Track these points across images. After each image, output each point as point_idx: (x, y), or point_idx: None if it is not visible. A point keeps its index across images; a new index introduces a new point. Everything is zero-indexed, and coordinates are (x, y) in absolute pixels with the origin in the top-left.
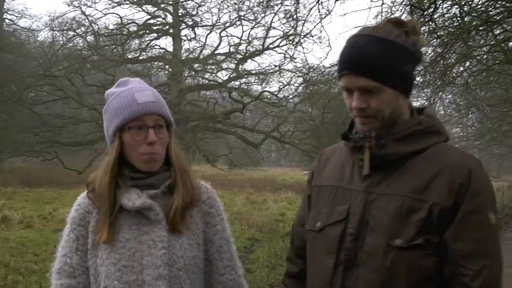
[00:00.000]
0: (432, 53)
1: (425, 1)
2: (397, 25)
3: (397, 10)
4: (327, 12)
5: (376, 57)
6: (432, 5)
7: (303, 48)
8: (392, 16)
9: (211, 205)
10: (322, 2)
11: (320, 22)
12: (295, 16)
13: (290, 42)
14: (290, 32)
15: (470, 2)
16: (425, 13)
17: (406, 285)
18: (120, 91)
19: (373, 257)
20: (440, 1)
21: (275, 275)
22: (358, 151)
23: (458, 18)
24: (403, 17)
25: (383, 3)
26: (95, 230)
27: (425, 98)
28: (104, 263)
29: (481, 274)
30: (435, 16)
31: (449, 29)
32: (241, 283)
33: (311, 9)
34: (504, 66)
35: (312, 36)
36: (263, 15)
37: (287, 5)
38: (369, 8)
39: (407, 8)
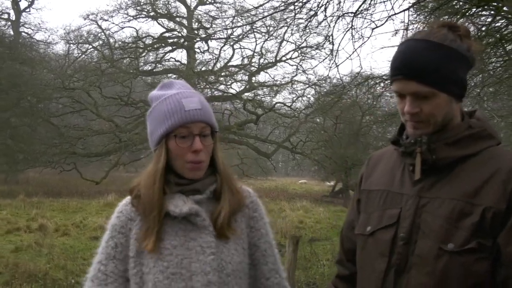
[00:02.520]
0: None
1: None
2: (452, 29)
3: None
4: (360, 37)
5: (432, 63)
6: None
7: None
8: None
9: (254, 209)
10: (354, 28)
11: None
12: (307, 30)
13: (303, 55)
14: (302, 45)
15: (487, 24)
16: None
17: None
18: (167, 95)
19: (425, 261)
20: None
21: (307, 276)
22: (408, 156)
23: (476, 38)
24: None
25: (406, 30)
26: (141, 237)
27: None
28: (151, 271)
29: None
30: None
31: None
32: (286, 286)
33: (344, 33)
34: None
35: (322, 46)
36: (275, 28)
37: (301, 19)
38: (389, 17)
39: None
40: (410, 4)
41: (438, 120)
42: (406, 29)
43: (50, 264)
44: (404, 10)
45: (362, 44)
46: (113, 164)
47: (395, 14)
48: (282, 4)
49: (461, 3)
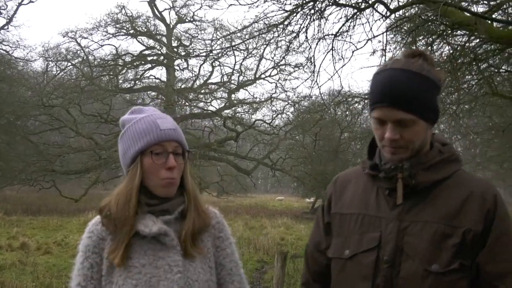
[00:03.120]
0: None
1: (423, 46)
2: (425, 59)
3: (398, 53)
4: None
5: (414, 92)
6: (429, 48)
7: (293, 78)
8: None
9: (220, 229)
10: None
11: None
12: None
13: (281, 72)
14: (281, 63)
15: (462, 44)
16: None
17: None
18: (140, 117)
19: (411, 282)
20: (437, 45)
21: None
22: (387, 181)
23: (451, 57)
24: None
25: (386, 43)
26: (110, 252)
27: None
28: None
29: None
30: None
31: (441, 67)
32: None
33: (325, 54)
34: (489, 96)
35: (303, 67)
36: (254, 45)
37: (282, 38)
38: (369, 39)
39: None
40: (387, 27)
41: (416, 146)
42: (384, 49)
43: (35, 282)
44: (382, 33)
45: (343, 65)
46: (93, 182)
47: (374, 37)
48: (265, 27)
49: (436, 24)
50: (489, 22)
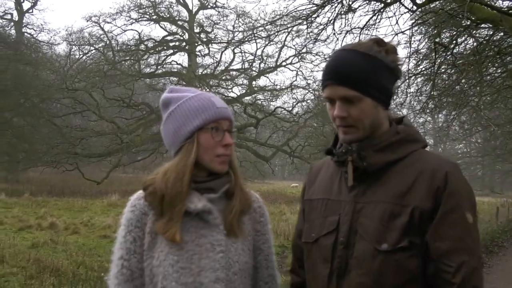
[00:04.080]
0: (448, 80)
1: (448, 39)
2: (378, 43)
3: (423, 45)
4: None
5: (357, 69)
6: (453, 41)
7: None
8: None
9: (261, 214)
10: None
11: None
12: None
13: (302, 60)
14: (303, 51)
15: (487, 37)
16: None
17: (394, 286)
18: (192, 95)
19: (362, 262)
20: (462, 39)
21: None
22: (342, 165)
23: (475, 51)
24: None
25: (412, 35)
26: (162, 229)
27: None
28: (162, 264)
29: (461, 270)
30: (455, 51)
31: (465, 59)
32: None
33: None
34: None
35: (324, 55)
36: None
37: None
38: (396, 34)
39: (431, 44)
40: (413, 22)
41: (366, 125)
42: (410, 42)
43: (68, 260)
44: (408, 29)
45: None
46: (114, 165)
47: (402, 32)
48: (294, 19)
49: (461, 18)
50: None
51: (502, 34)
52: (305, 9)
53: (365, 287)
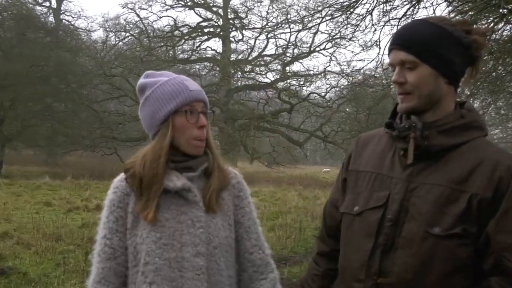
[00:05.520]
0: (485, 67)
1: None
2: (461, 23)
3: None
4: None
5: (418, 35)
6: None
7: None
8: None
9: (239, 189)
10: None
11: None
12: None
13: (336, 46)
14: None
15: None
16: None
17: (441, 272)
18: (165, 80)
19: (411, 242)
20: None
21: None
22: (400, 140)
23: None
24: None
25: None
26: (140, 209)
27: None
28: (145, 241)
29: None
30: (492, 38)
31: (501, 46)
32: (269, 262)
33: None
34: None
35: (358, 40)
36: (310, 18)
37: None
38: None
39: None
40: (449, 11)
41: (423, 93)
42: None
43: None
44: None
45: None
46: None
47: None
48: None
49: (496, 7)
50: None
51: None
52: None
53: (411, 267)
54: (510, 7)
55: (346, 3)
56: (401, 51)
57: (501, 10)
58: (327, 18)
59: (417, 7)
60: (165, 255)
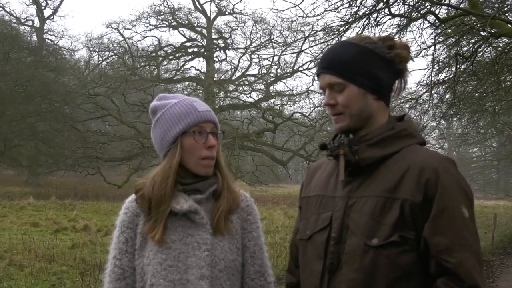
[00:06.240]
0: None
1: (467, 47)
2: (382, 40)
3: (445, 56)
4: None
5: (342, 56)
6: (474, 53)
7: None
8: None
9: (249, 212)
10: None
11: None
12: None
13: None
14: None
15: (506, 47)
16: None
17: (386, 282)
18: (175, 102)
19: (353, 257)
20: (480, 49)
21: None
22: (336, 159)
23: (494, 60)
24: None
25: (434, 49)
26: (148, 229)
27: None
28: (151, 262)
29: (461, 265)
30: (475, 60)
31: (483, 68)
32: None
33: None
34: None
35: None
36: (293, 39)
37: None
38: (421, 51)
39: (453, 56)
40: (435, 36)
41: (353, 112)
42: (433, 56)
43: None
44: (433, 45)
45: None
46: (135, 169)
47: (427, 48)
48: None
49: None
50: None
51: None
52: (337, 25)
53: (357, 283)
54: (493, 31)
55: (338, 26)
56: (328, 74)
57: (484, 34)
58: (311, 39)
59: (404, 30)
60: (170, 277)
